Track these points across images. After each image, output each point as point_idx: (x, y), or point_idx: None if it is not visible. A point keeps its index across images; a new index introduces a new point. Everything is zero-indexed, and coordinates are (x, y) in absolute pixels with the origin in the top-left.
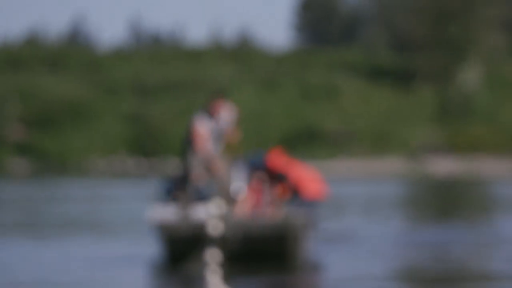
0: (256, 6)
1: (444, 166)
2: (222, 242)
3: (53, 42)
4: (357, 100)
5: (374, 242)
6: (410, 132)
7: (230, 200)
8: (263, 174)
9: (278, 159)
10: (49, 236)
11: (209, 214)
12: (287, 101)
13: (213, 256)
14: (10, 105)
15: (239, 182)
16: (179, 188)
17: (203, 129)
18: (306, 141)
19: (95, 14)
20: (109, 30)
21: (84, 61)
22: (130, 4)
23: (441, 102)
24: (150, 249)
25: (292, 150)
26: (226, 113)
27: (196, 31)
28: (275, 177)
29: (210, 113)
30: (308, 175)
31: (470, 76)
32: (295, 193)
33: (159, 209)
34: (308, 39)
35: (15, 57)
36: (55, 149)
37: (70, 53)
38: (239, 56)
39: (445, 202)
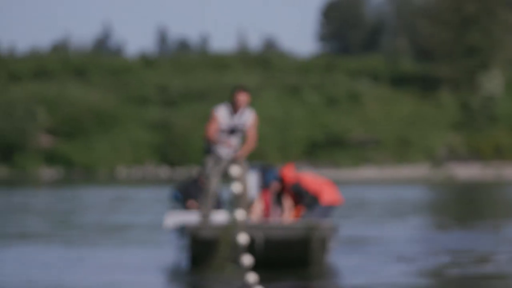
0: (281, 14)
1: (467, 172)
2: (246, 246)
3: (80, 51)
4: (380, 107)
5: (396, 247)
6: (433, 138)
7: (246, 203)
8: (277, 185)
9: (291, 171)
10: (72, 242)
11: (231, 218)
12: (310, 108)
13: (238, 258)
14: (37, 114)
15: (251, 187)
16: (190, 194)
17: (220, 116)
18: (330, 148)
19: (122, 23)
20: (135, 38)
21: (111, 70)
22: (157, 13)
23: (464, 108)
24: (171, 254)
25: (316, 157)
26: (248, 112)
27: (222, 39)
28: (291, 192)
29: (233, 107)
30: (323, 181)
31: (493, 82)
32: (313, 200)
33: (176, 215)
34: (331, 47)
35: (43, 66)
36: (81, 157)
37: (97, 61)
38: (264, 64)
39: (469, 207)
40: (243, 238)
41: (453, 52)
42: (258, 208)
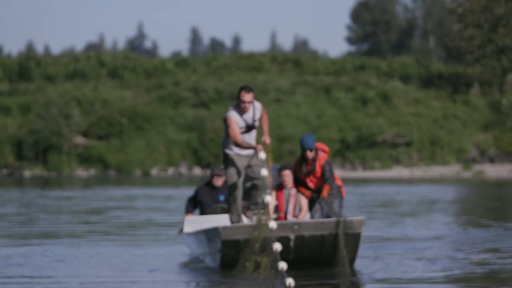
0: (313, 16)
1: (497, 172)
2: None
3: (114, 52)
4: (411, 108)
5: (424, 245)
6: (464, 139)
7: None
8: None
9: (326, 147)
10: (101, 239)
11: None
12: (342, 109)
13: (270, 259)
14: (72, 115)
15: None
16: (202, 198)
17: (235, 119)
18: (361, 149)
19: (155, 24)
20: (169, 39)
21: (145, 70)
22: (190, 14)
23: (494, 109)
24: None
25: (347, 158)
26: (255, 106)
27: (254, 40)
28: (321, 168)
29: (241, 108)
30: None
31: None
32: (338, 189)
33: (195, 221)
34: (363, 48)
35: (77, 67)
36: (116, 158)
37: (131, 62)
38: (296, 64)
39: (499, 206)
40: (272, 224)
41: (483, 53)
42: (272, 205)
